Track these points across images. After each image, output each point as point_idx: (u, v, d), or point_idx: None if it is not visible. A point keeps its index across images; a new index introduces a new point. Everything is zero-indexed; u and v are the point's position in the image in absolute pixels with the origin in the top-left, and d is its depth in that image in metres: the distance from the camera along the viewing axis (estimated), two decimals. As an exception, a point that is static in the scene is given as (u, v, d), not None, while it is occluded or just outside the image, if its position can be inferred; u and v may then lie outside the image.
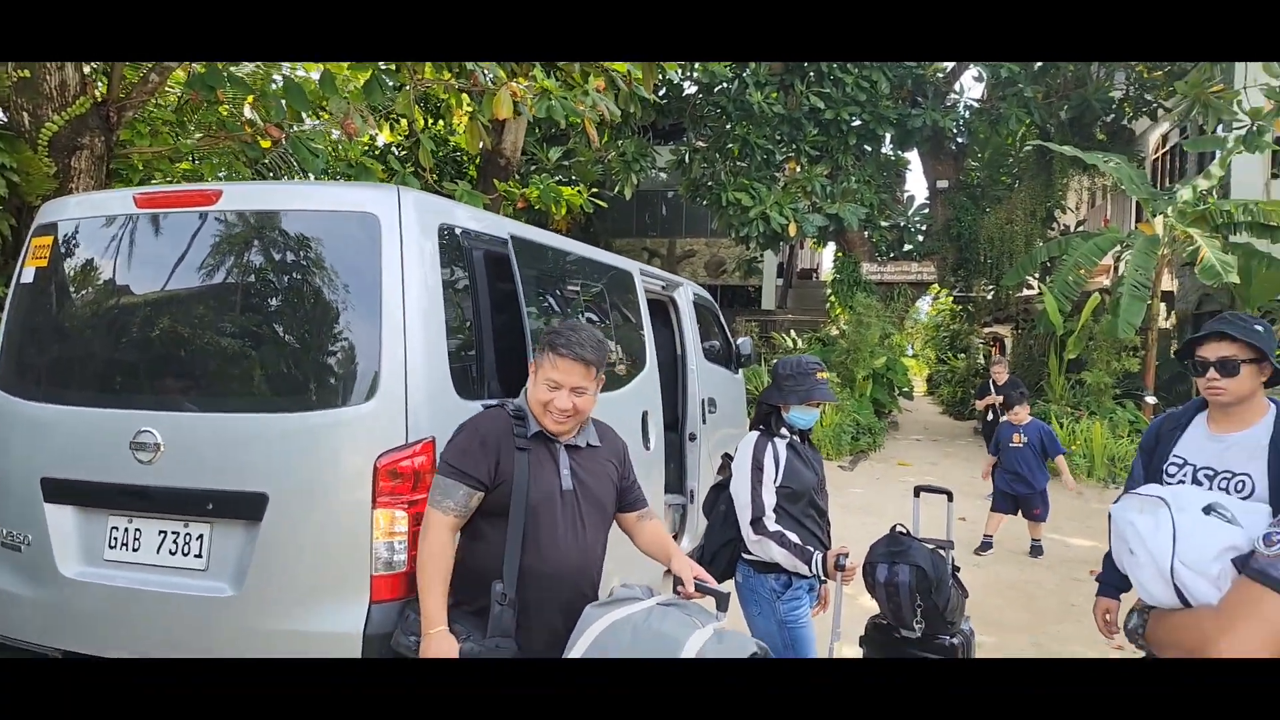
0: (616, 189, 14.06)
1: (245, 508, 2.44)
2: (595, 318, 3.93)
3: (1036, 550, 6.61)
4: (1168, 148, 16.13)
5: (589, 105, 5.77)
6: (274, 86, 4.36)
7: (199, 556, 2.53)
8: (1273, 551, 1.34)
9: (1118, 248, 12.02)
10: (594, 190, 11.21)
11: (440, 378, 2.56)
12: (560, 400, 2.18)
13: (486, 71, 5.54)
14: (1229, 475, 2.14)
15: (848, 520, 6.84)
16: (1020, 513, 6.56)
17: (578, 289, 3.82)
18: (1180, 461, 2.25)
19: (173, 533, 2.57)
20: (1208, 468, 2.19)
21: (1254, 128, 11.20)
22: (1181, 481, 2.22)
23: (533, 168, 12.59)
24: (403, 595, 2.33)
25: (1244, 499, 2.06)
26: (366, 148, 9.61)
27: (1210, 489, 2.16)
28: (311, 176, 5.66)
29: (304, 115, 5.23)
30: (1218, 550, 1.45)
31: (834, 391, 2.69)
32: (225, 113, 5.14)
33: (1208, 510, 1.52)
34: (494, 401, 2.35)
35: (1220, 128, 12.09)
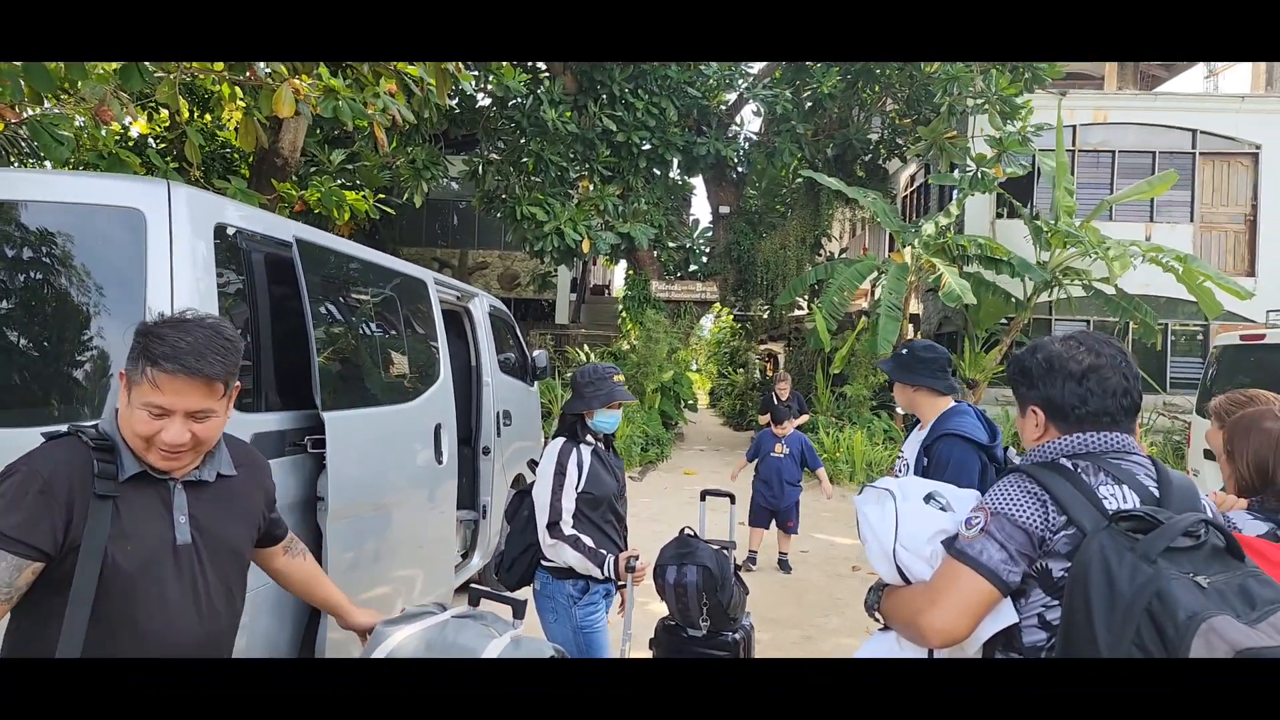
0: (406, 196, 13.61)
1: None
2: (386, 327, 3.80)
3: (784, 565, 6.65)
4: (915, 186, 18.26)
5: (379, 108, 5.57)
6: (9, 64, 3.80)
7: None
8: (970, 533, 1.52)
9: (875, 274, 13.41)
10: (381, 197, 10.79)
11: (214, 388, 2.37)
12: (171, 434, 1.51)
13: (265, 65, 5.17)
14: (905, 462, 2.94)
15: (639, 529, 7.02)
16: (775, 523, 6.63)
17: (367, 296, 3.68)
18: (903, 454, 3.03)
19: None
20: (904, 459, 2.98)
21: (978, 173, 13.02)
22: (901, 471, 2.96)
23: (313, 169, 11.86)
24: None
25: (900, 475, 2.84)
26: (119, 138, 8.62)
27: (899, 473, 2.93)
28: (51, 167, 5.00)
29: (44, 98, 4.61)
30: (930, 534, 1.63)
31: (630, 402, 2.84)
32: (-60, 90, 4.41)
33: (927, 499, 1.70)
34: (61, 428, 1.57)
35: (956, 171, 13.91)
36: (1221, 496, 2.08)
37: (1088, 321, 14.34)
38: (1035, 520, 1.47)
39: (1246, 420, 2.04)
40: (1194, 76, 26.93)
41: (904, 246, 13.33)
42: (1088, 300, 12.94)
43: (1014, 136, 12.62)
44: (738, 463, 7.10)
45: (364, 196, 9.99)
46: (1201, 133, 14.85)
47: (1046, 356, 1.63)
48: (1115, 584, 1.29)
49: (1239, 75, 24.43)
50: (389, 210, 9.88)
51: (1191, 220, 14.88)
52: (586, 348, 16.68)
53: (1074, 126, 14.76)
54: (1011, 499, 1.51)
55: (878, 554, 1.67)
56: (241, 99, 6.25)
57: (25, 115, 4.36)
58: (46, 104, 5.25)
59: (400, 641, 1.84)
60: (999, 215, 14.74)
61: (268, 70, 5.10)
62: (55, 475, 1.47)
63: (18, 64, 3.46)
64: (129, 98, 4.20)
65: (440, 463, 3.89)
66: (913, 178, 18.39)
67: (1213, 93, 22.17)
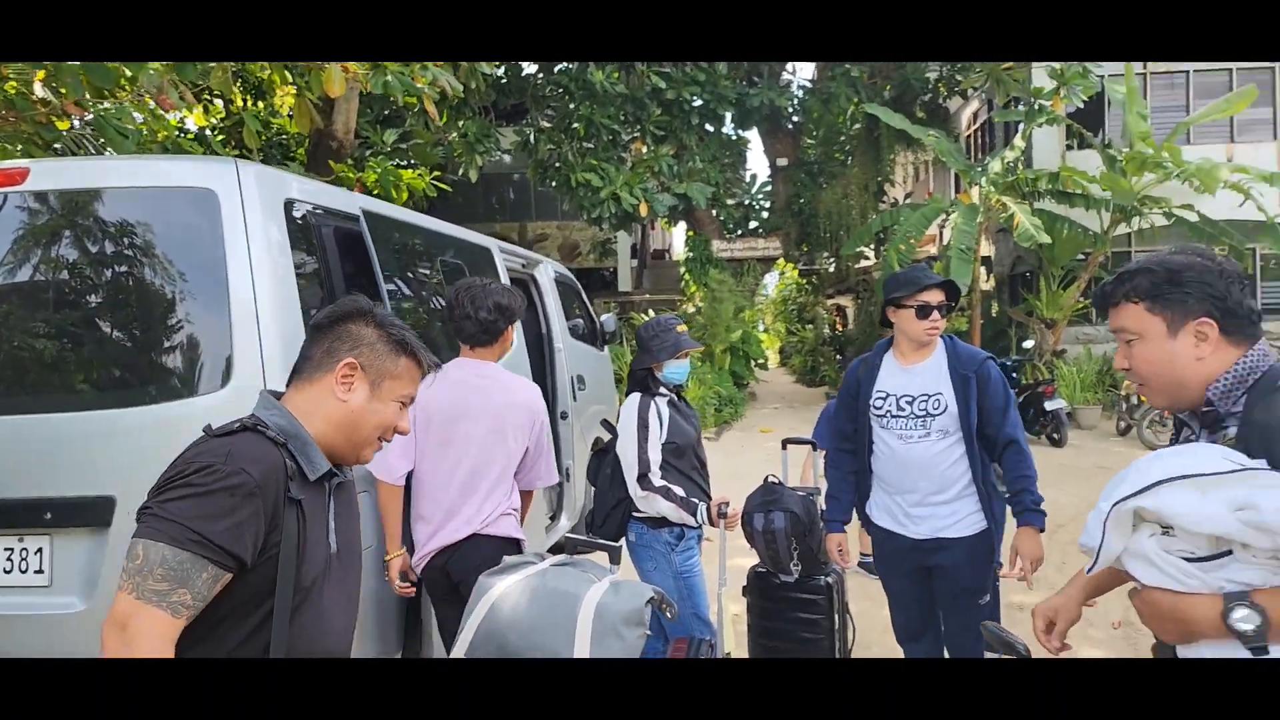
0: (460, 172, 13.68)
1: (89, 514, 2.23)
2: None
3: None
4: (979, 124, 17.53)
5: (428, 81, 5.57)
6: (70, 61, 3.92)
7: (40, 572, 2.29)
8: None
9: (942, 216, 12.96)
10: (436, 174, 10.87)
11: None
12: (407, 421, 1.55)
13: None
14: (925, 396, 2.66)
15: (719, 487, 7.01)
16: None
17: (434, 266, 3.70)
18: (884, 394, 2.73)
19: (5, 549, 2.31)
20: (906, 394, 2.69)
21: (1036, 105, 12.38)
22: (888, 412, 2.70)
23: (367, 151, 12.00)
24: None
25: (939, 414, 2.62)
26: (178, 131, 8.88)
27: (913, 409, 2.66)
28: (122, 161, 5.17)
29: (105, 92, 4.73)
30: None
31: (697, 350, 2.87)
32: (13, 90, 4.57)
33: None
34: (234, 423, 1.40)
35: (1021, 104, 13.28)
36: None
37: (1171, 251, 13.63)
38: None
39: None
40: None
41: (971, 186, 12.84)
42: (1170, 229, 12.25)
43: (1074, 68, 11.93)
44: None
45: (420, 174, 10.08)
46: (1281, 42, 13.80)
47: (1199, 261, 1.41)
48: None
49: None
50: (445, 187, 9.95)
51: (1276, 137, 13.90)
52: (651, 312, 16.65)
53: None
54: None
55: None
56: (293, 82, 6.33)
57: (88, 113, 4.50)
58: (106, 101, 5.41)
59: (504, 590, 1.85)
60: (1069, 147, 14.02)
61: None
62: (266, 479, 1.32)
63: (76, 62, 3.55)
64: (185, 87, 4.27)
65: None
66: (975, 115, 17.64)
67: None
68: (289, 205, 2.63)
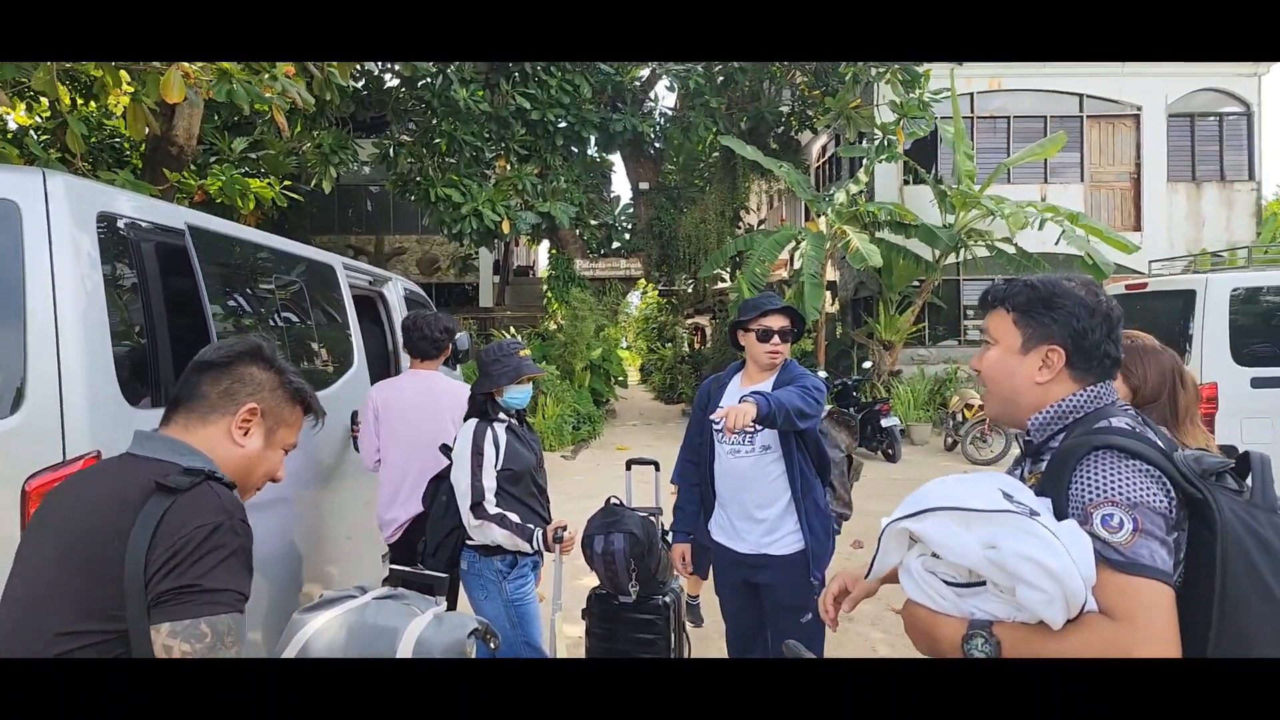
0: (314, 182, 13.16)
1: None
2: (294, 316, 3.69)
3: None
4: (826, 157, 18.61)
5: (277, 91, 5.36)
6: None
7: None
8: (1125, 537, 1.24)
9: (792, 243, 13.63)
10: (288, 184, 10.41)
11: (105, 384, 2.28)
12: (283, 469, 1.62)
13: (150, 47, 4.91)
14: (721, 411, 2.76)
15: (573, 505, 7.07)
16: None
17: (272, 284, 3.57)
18: (722, 408, 2.81)
19: None
20: (721, 407, 2.75)
21: (884, 140, 13.35)
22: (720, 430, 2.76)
23: (213, 159, 11.34)
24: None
25: (760, 430, 2.72)
26: (-7, 130, 8.10)
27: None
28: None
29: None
30: (1086, 548, 1.25)
31: (547, 376, 2.95)
32: None
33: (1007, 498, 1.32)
34: (196, 473, 1.36)
35: (864, 140, 14.22)
36: None
37: (992, 280, 14.91)
38: (1163, 501, 1.25)
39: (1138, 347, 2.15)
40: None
41: (819, 215, 13.59)
42: (992, 260, 13.44)
43: (914, 102, 12.97)
44: None
45: (270, 184, 9.62)
46: (1088, 96, 15.55)
47: (1078, 292, 1.41)
48: (1270, 544, 1.22)
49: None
50: (297, 197, 9.56)
51: (1082, 180, 15.60)
52: (513, 329, 16.53)
53: (971, 94, 15.25)
54: (1138, 485, 1.25)
55: (1057, 598, 1.19)
56: (128, 85, 5.92)
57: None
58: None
59: (319, 627, 1.80)
60: (906, 182, 15.16)
61: (153, 53, 4.85)
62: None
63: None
64: (3, 85, 3.93)
65: (357, 450, 3.82)
66: (824, 148, 18.73)
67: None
68: (104, 219, 2.48)
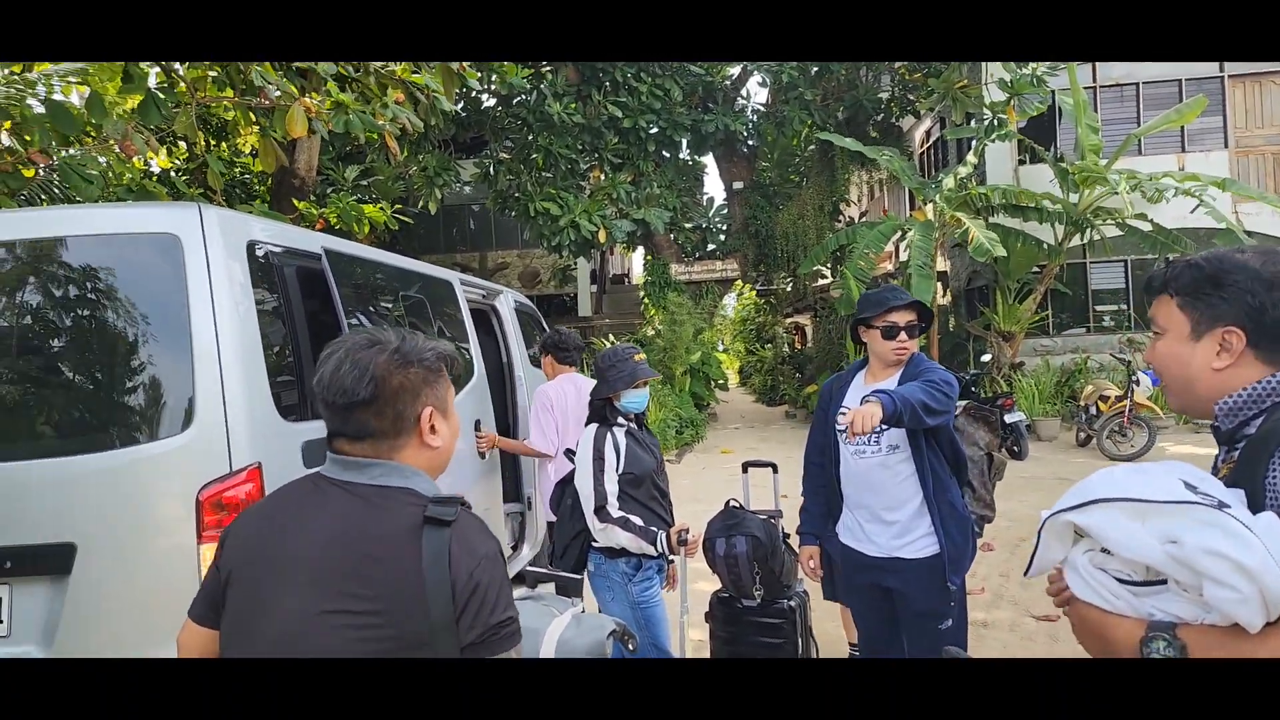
0: (421, 204, 13.73)
1: (49, 562, 2.23)
2: (418, 328, 3.86)
3: None
4: (931, 141, 17.96)
5: (389, 118, 5.63)
6: (34, 110, 3.87)
7: (-3, 621, 2.28)
8: None
9: (898, 234, 13.21)
10: (398, 207, 10.90)
11: (262, 401, 2.45)
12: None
13: (275, 88, 5.26)
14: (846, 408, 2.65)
15: (682, 510, 7.05)
16: None
17: (396, 300, 3.75)
18: (845, 410, 2.69)
19: (-41, 600, 2.29)
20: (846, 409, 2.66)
21: (993, 120, 12.75)
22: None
23: (329, 188, 12.01)
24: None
25: (886, 429, 2.59)
26: (142, 174, 8.81)
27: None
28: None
29: (70, 140, 4.72)
30: None
31: (654, 378, 2.90)
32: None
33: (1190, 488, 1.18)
34: (453, 501, 1.39)
35: (972, 121, 13.64)
36: None
37: (1125, 261, 14.02)
38: None
39: None
40: None
41: (925, 203, 13.11)
42: (1123, 239, 12.58)
43: (1026, 78, 12.32)
44: None
45: (381, 208, 10.09)
46: (1229, 54, 14.35)
47: (1252, 265, 1.26)
48: None
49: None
50: (407, 220, 9.99)
51: (1225, 145, 14.33)
52: (612, 337, 16.73)
53: (1093, 62, 14.32)
54: None
55: (1252, 597, 1.06)
56: (256, 122, 6.34)
57: (54, 160, 4.46)
58: (72, 148, 5.38)
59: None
60: (1022, 161, 14.40)
61: (278, 92, 5.18)
62: None
63: (43, 111, 3.56)
64: (149, 133, 4.28)
65: (483, 457, 3.96)
66: (928, 133, 18.09)
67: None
68: (251, 246, 2.67)
